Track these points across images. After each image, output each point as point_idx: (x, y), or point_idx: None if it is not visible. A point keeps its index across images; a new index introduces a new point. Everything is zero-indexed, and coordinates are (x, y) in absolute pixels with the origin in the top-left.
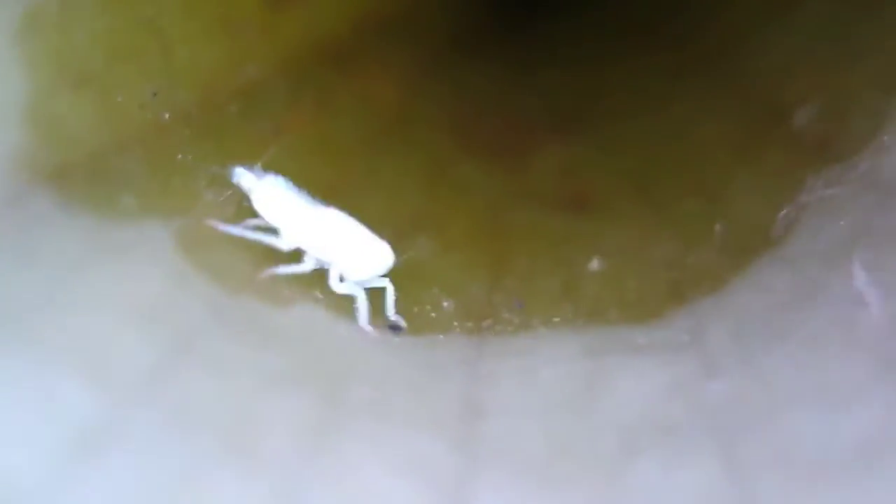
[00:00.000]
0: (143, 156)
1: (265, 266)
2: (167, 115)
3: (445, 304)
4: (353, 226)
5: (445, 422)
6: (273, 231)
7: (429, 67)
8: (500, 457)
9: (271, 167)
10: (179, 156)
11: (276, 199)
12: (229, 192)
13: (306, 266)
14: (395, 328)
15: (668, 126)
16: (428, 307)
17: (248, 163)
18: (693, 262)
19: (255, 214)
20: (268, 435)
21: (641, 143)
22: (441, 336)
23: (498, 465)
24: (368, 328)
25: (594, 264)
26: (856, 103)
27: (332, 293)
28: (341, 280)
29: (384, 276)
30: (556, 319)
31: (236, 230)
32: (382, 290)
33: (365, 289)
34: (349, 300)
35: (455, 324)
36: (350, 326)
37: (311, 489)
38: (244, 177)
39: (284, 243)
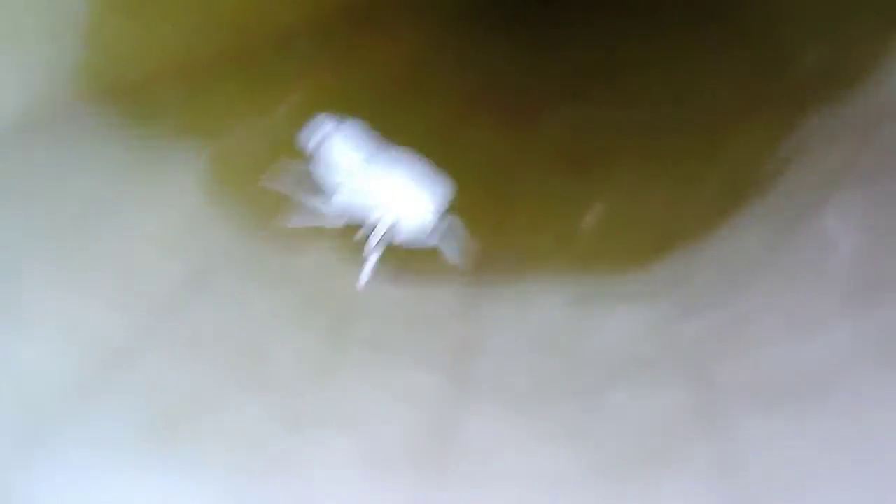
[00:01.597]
0: (185, 84)
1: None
2: (209, 51)
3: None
4: (404, 181)
5: (440, 358)
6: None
7: (442, 33)
8: (489, 390)
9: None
10: (217, 88)
11: (342, 150)
12: (263, 125)
13: (334, 220)
14: (397, 275)
15: (679, 81)
16: (431, 255)
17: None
18: (685, 214)
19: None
20: (275, 363)
21: (652, 98)
22: (441, 282)
23: (486, 397)
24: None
25: (589, 219)
26: (857, 41)
27: (345, 240)
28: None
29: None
30: (549, 271)
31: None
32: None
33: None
34: (358, 247)
35: (454, 272)
36: (358, 271)
37: (314, 411)
38: (322, 126)
39: (333, 208)
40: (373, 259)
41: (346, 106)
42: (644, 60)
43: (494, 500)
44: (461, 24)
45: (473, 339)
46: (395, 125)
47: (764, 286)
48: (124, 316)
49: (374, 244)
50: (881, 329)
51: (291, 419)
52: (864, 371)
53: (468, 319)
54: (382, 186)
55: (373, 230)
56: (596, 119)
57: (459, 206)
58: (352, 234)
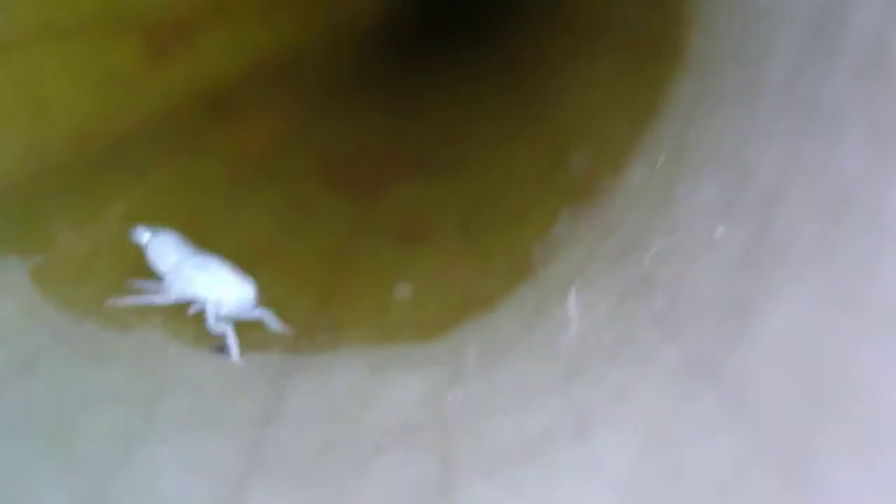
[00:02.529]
0: (11, 202)
1: (112, 295)
2: (38, 165)
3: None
4: (226, 266)
5: (240, 428)
6: (158, 279)
7: (304, 113)
8: (279, 457)
9: (135, 209)
10: (46, 202)
11: (165, 251)
12: (87, 234)
13: (164, 298)
14: (220, 349)
15: (493, 170)
16: (254, 327)
17: (106, 209)
18: (480, 290)
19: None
20: (86, 440)
21: (473, 183)
22: (260, 353)
23: (276, 465)
24: (238, 360)
25: (403, 290)
26: (611, 142)
27: (174, 319)
28: (218, 317)
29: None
30: (360, 340)
31: (133, 300)
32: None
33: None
34: (184, 324)
35: (276, 343)
36: (180, 348)
37: (119, 488)
38: (141, 234)
39: (166, 297)
40: (233, 343)
41: (187, 195)
42: (471, 148)
43: None
44: (324, 102)
45: (275, 407)
46: (241, 205)
47: (513, 360)
48: None
49: (213, 321)
50: (578, 406)
51: (94, 498)
52: (564, 442)
53: (277, 387)
54: (203, 276)
55: (200, 308)
56: (426, 198)
57: (294, 276)
58: (180, 312)
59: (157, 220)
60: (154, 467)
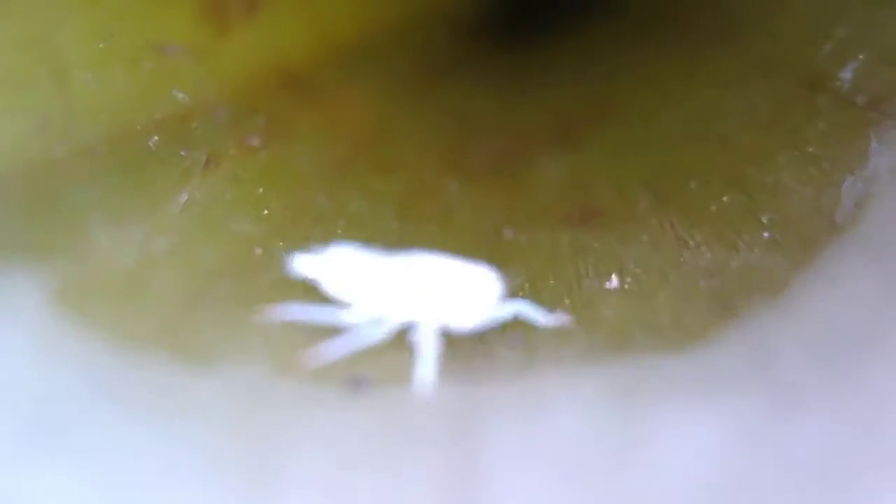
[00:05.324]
0: (22, 194)
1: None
2: (60, 150)
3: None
4: (446, 263)
5: (425, 497)
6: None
7: (409, 89)
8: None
9: (198, 198)
10: (70, 194)
11: (347, 272)
12: (131, 233)
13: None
14: (357, 383)
15: (687, 121)
16: (406, 355)
17: (162, 203)
18: (739, 267)
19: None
20: None
21: (658, 145)
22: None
23: None
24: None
25: (613, 281)
26: None
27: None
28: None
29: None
30: (567, 353)
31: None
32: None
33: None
34: (293, 350)
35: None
36: (297, 386)
37: None
38: (302, 264)
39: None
40: (430, 356)
41: (275, 185)
42: (645, 104)
43: None
44: (427, 72)
45: (471, 459)
46: (346, 197)
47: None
48: None
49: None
50: None
51: None
52: None
53: (461, 431)
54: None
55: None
56: (594, 172)
57: None
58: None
59: (239, 216)
60: None
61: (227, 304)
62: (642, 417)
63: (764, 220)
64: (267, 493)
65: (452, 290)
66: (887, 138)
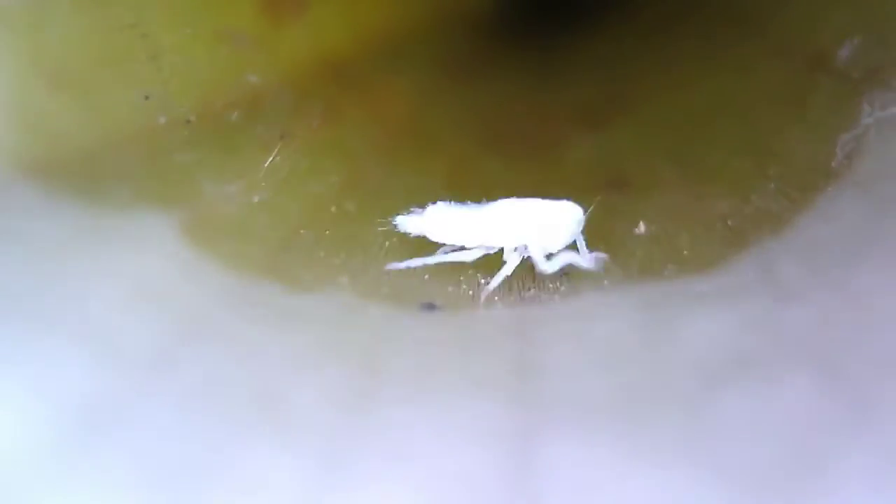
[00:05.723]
0: (138, 153)
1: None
2: (163, 119)
3: (483, 280)
4: (528, 203)
5: (497, 384)
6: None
7: (444, 80)
8: (564, 411)
9: (279, 165)
10: (177, 155)
11: (449, 224)
12: (232, 187)
13: (469, 253)
14: (430, 306)
15: (706, 96)
16: (464, 287)
17: (252, 166)
18: (751, 211)
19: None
20: (301, 407)
21: (679, 119)
22: (482, 311)
23: (563, 419)
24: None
25: (640, 228)
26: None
27: (364, 278)
28: (548, 257)
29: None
30: (606, 282)
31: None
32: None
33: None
34: (377, 283)
35: (496, 298)
36: (381, 308)
37: (358, 453)
38: (409, 223)
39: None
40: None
41: (336, 159)
42: (667, 83)
43: None
44: (460, 64)
45: (531, 359)
46: (397, 170)
47: (873, 263)
48: (102, 372)
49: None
50: None
51: (327, 461)
52: None
53: (521, 341)
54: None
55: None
56: (621, 146)
57: None
58: (368, 271)
59: (314, 181)
60: (398, 430)
61: (314, 248)
62: (668, 319)
63: (772, 173)
64: (369, 388)
65: (537, 222)
66: (876, 101)
